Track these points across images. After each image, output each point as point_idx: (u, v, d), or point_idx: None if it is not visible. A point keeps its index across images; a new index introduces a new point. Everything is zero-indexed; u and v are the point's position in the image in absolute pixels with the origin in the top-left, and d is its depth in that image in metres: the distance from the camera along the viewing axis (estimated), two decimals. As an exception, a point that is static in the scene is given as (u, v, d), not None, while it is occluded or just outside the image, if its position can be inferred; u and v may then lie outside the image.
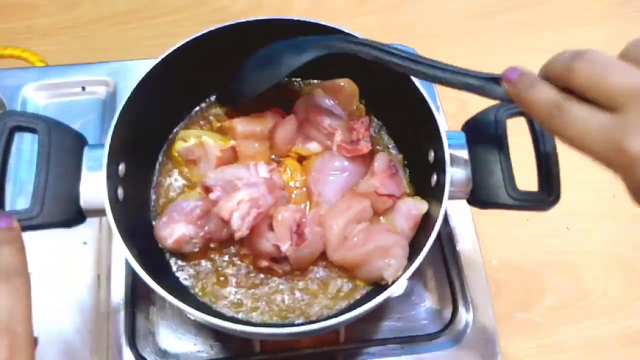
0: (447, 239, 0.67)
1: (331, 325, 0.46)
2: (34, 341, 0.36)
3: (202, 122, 0.63)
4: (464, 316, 0.64)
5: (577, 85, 0.34)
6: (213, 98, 0.64)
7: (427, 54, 0.77)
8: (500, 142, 0.51)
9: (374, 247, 0.52)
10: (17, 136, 0.49)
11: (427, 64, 0.45)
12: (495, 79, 0.41)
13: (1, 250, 0.35)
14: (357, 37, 0.49)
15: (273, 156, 0.60)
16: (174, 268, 0.57)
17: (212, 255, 0.57)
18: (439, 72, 0.44)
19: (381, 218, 0.56)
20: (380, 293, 0.47)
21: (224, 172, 0.52)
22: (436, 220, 0.48)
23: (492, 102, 0.52)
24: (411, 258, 0.49)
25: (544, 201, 0.50)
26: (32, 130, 0.48)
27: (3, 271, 0.34)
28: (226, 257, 0.57)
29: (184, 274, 0.57)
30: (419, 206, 0.54)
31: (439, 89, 0.76)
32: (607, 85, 0.32)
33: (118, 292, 0.62)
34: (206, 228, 0.53)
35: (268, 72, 0.53)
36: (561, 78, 0.35)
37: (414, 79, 0.54)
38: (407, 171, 0.61)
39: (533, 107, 0.36)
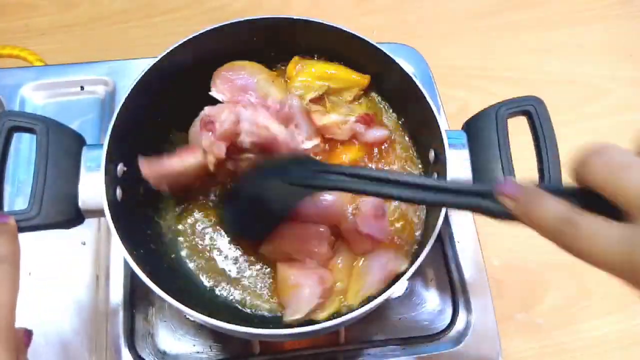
0: (447, 239, 0.67)
1: (331, 326, 0.46)
2: (29, 334, 0.38)
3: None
4: (465, 317, 0.63)
5: (590, 183, 0.31)
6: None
7: (427, 54, 0.78)
8: (500, 142, 0.51)
9: (292, 277, 0.52)
10: (16, 136, 0.48)
11: (421, 185, 0.41)
12: (490, 194, 0.37)
13: None
14: (340, 168, 0.46)
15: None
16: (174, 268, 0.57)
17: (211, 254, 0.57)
18: (432, 195, 0.40)
19: (361, 260, 0.54)
20: (381, 294, 0.47)
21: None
22: (437, 221, 0.48)
23: (493, 102, 0.52)
24: (412, 258, 0.49)
25: (545, 201, 0.49)
26: (30, 131, 0.48)
27: None
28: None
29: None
30: (397, 263, 0.52)
31: (439, 88, 0.76)
32: (623, 189, 0.29)
33: (117, 293, 0.62)
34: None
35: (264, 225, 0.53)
36: (577, 173, 0.32)
37: (414, 79, 0.54)
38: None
39: (541, 225, 0.33)
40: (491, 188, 0.37)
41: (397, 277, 0.51)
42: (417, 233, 0.57)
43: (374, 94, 0.62)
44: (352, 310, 0.47)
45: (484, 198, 0.38)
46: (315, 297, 0.50)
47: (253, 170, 0.53)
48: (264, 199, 0.51)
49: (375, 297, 0.47)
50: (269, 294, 0.56)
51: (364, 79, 0.60)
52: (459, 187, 0.39)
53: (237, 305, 0.56)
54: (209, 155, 0.52)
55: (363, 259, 0.54)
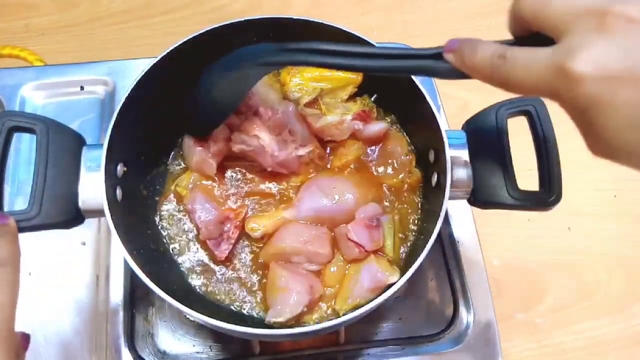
0: (448, 239, 0.67)
1: (331, 326, 0.46)
2: (27, 338, 0.38)
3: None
4: (465, 317, 0.63)
5: (523, 15, 0.33)
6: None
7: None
8: (501, 142, 0.51)
9: (282, 280, 0.52)
10: (16, 136, 0.48)
11: (370, 54, 0.42)
12: (438, 55, 0.39)
13: None
14: (292, 45, 0.45)
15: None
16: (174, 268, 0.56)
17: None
18: (383, 61, 0.41)
19: (352, 267, 0.54)
20: (381, 294, 0.47)
21: None
22: (437, 221, 0.48)
23: (493, 102, 0.52)
24: (411, 258, 0.49)
25: (545, 201, 0.49)
26: (30, 131, 0.48)
27: None
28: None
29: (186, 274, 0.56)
30: (387, 275, 0.51)
31: (439, 88, 0.76)
32: (549, 12, 0.31)
33: (117, 293, 0.62)
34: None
35: (220, 107, 0.52)
36: (512, 12, 0.35)
37: (414, 79, 0.54)
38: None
39: (478, 67, 0.35)
40: (437, 50, 0.39)
41: (387, 288, 0.50)
42: (409, 244, 0.57)
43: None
44: (338, 317, 0.46)
45: (429, 59, 0.39)
46: (300, 305, 0.50)
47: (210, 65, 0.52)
48: (217, 88, 0.51)
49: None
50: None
51: (357, 76, 0.60)
52: (407, 52, 0.40)
53: (236, 305, 0.56)
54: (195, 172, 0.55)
55: (353, 266, 0.54)
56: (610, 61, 0.27)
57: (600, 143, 0.30)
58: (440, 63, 0.39)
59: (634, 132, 0.28)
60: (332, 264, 0.54)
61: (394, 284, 0.49)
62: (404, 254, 0.56)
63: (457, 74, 0.38)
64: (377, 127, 0.58)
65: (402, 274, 0.48)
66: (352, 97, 0.61)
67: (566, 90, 0.29)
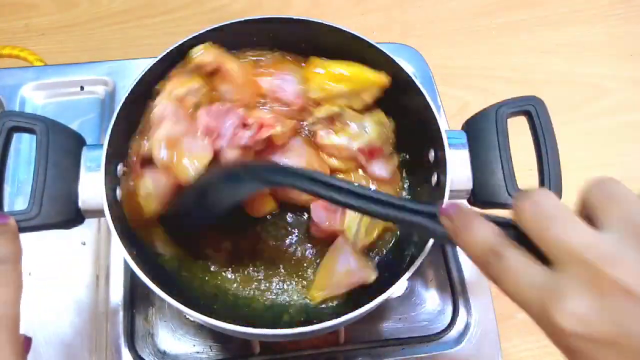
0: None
1: (331, 326, 0.46)
2: (28, 341, 0.38)
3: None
4: (465, 317, 0.63)
5: (522, 224, 0.32)
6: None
7: (427, 54, 0.78)
8: (501, 142, 0.51)
9: None
10: (16, 136, 0.48)
11: (369, 197, 0.40)
12: (434, 214, 0.37)
13: None
14: (293, 170, 0.45)
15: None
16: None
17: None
18: (379, 208, 0.40)
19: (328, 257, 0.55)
20: (381, 294, 0.47)
21: None
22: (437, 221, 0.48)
23: (493, 102, 0.52)
24: (412, 258, 0.49)
25: (545, 201, 0.49)
26: (30, 131, 0.48)
27: None
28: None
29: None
30: (366, 272, 0.52)
31: (439, 88, 0.76)
32: (548, 237, 0.30)
33: (117, 293, 0.62)
34: None
35: (205, 210, 0.50)
36: (513, 214, 0.33)
37: (414, 78, 0.54)
38: (407, 172, 0.61)
39: (470, 250, 0.34)
40: (435, 209, 0.37)
41: (365, 287, 0.51)
42: (388, 247, 0.57)
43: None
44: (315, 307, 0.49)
45: (426, 217, 0.38)
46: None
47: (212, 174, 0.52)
48: (214, 189, 0.50)
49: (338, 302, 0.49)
50: (269, 296, 0.56)
51: (383, 78, 0.56)
52: (404, 205, 0.39)
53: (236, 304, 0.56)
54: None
55: (329, 255, 0.55)
56: (596, 324, 0.27)
57: None
58: (436, 224, 0.37)
59: None
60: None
61: (372, 284, 0.50)
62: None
63: (446, 240, 0.36)
64: (379, 171, 0.56)
65: (401, 275, 0.48)
66: (375, 102, 0.58)
67: (551, 334, 0.29)
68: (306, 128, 0.59)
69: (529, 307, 0.30)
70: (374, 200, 0.40)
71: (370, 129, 0.57)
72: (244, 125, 0.54)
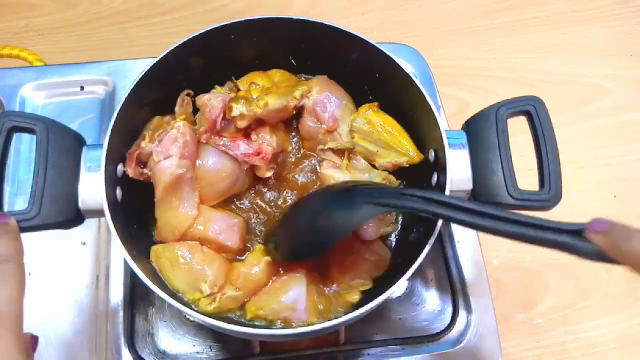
0: (447, 239, 0.67)
1: (331, 326, 0.46)
2: (35, 340, 0.38)
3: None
4: (465, 317, 0.63)
5: None
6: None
7: (427, 54, 0.78)
8: (501, 142, 0.51)
9: None
10: (16, 136, 0.48)
11: (501, 218, 0.38)
12: (578, 232, 0.36)
13: None
14: (412, 191, 0.43)
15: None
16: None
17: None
18: (516, 227, 0.38)
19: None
20: (380, 294, 0.47)
21: None
22: (437, 221, 0.48)
23: (493, 102, 0.52)
24: (411, 258, 0.49)
25: (545, 201, 0.49)
26: (30, 131, 0.48)
27: None
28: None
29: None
30: (305, 315, 0.51)
31: (439, 88, 0.76)
32: None
33: (117, 293, 0.62)
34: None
35: (323, 232, 0.47)
36: None
37: (414, 79, 0.54)
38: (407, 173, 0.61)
39: (631, 256, 0.34)
40: (577, 226, 0.36)
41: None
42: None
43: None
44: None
45: (570, 235, 0.37)
46: None
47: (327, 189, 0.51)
48: (327, 214, 0.47)
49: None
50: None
51: (416, 158, 0.56)
52: (542, 224, 0.37)
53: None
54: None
55: (280, 280, 0.54)
56: None
57: None
58: (581, 241, 0.36)
59: None
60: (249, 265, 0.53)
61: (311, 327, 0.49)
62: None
63: (595, 255, 0.36)
64: (368, 231, 0.54)
65: (401, 274, 0.48)
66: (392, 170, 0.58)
67: None
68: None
69: None
70: (507, 220, 0.38)
71: (374, 179, 0.57)
72: (248, 136, 0.55)
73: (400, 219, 0.60)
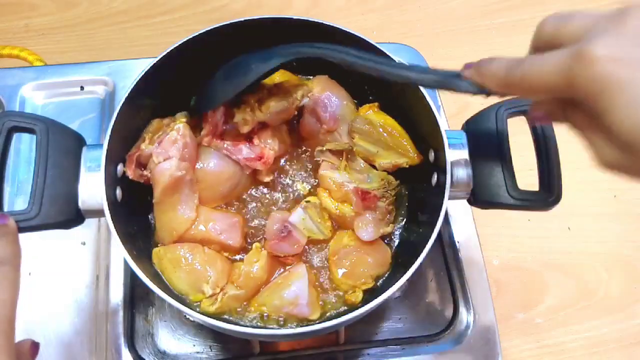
0: (447, 239, 0.67)
1: (331, 326, 0.46)
2: (36, 347, 0.38)
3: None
4: (465, 317, 0.63)
5: (547, 34, 0.35)
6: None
7: (427, 54, 0.78)
8: (501, 142, 0.51)
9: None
10: (16, 136, 0.48)
11: (394, 65, 0.44)
12: (458, 75, 0.40)
13: None
14: (323, 44, 0.48)
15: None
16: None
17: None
18: (405, 71, 0.43)
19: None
20: (380, 294, 0.47)
21: None
22: (437, 221, 0.48)
23: (493, 102, 0.52)
24: (411, 258, 0.49)
25: (545, 201, 0.49)
26: (30, 131, 0.48)
27: None
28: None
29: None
30: (307, 310, 0.52)
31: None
32: (571, 23, 0.33)
33: (117, 293, 0.62)
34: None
35: (235, 80, 0.52)
36: (536, 33, 0.36)
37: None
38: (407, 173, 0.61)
39: (493, 73, 0.36)
40: (456, 71, 0.40)
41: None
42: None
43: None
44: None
45: (453, 77, 0.40)
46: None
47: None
48: (237, 64, 0.52)
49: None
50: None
51: (416, 158, 0.57)
52: (426, 69, 0.42)
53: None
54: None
55: (283, 277, 0.54)
56: (624, 47, 0.29)
57: (613, 135, 0.30)
58: (456, 79, 0.40)
59: None
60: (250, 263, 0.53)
61: (312, 320, 0.51)
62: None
63: (470, 88, 0.39)
64: (365, 233, 0.55)
65: (401, 274, 0.48)
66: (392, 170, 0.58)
67: (581, 74, 0.30)
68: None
69: (559, 72, 0.31)
70: (400, 68, 0.43)
71: (373, 180, 0.57)
72: (250, 140, 0.55)
73: (400, 218, 0.60)
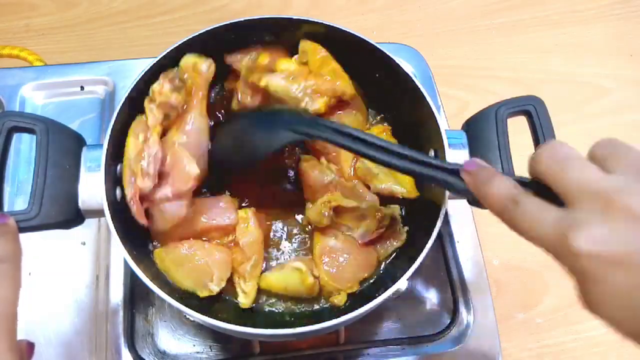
0: (447, 239, 0.67)
1: (331, 326, 0.46)
2: (31, 347, 0.38)
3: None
4: (465, 317, 0.63)
5: (539, 173, 0.35)
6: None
7: (427, 54, 0.78)
8: (500, 142, 0.51)
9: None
10: (16, 136, 0.48)
11: (397, 153, 0.43)
12: (457, 171, 0.40)
13: None
14: (321, 120, 0.47)
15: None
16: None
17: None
18: (407, 163, 0.42)
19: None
20: (380, 294, 0.47)
21: None
22: (437, 221, 0.48)
23: (493, 102, 0.52)
24: (412, 258, 0.49)
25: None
26: (30, 131, 0.48)
27: None
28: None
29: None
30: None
31: (439, 88, 0.76)
32: (563, 178, 0.33)
33: (117, 293, 0.62)
34: None
35: (242, 159, 0.53)
36: (530, 165, 0.36)
37: (414, 79, 0.54)
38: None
39: (490, 200, 0.37)
40: (455, 166, 0.40)
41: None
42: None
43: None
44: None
45: (450, 174, 0.41)
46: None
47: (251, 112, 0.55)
48: (250, 135, 0.52)
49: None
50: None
51: (412, 193, 0.56)
52: (429, 161, 0.42)
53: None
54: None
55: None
56: (608, 245, 0.30)
57: (592, 309, 0.32)
58: (457, 180, 0.40)
59: (622, 311, 0.31)
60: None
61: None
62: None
63: (469, 197, 0.40)
64: (361, 239, 0.55)
65: (401, 275, 0.48)
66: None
67: (566, 259, 0.32)
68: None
69: (546, 241, 0.32)
70: (399, 155, 0.42)
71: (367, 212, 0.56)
72: None
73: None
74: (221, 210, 0.54)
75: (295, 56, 0.57)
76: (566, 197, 0.33)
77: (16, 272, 0.39)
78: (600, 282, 0.30)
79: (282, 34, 0.58)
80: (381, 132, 0.60)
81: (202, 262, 0.52)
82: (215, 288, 0.51)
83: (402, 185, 0.56)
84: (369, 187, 0.57)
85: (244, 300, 0.53)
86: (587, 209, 0.31)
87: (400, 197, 0.56)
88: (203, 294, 0.51)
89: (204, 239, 0.54)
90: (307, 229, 0.59)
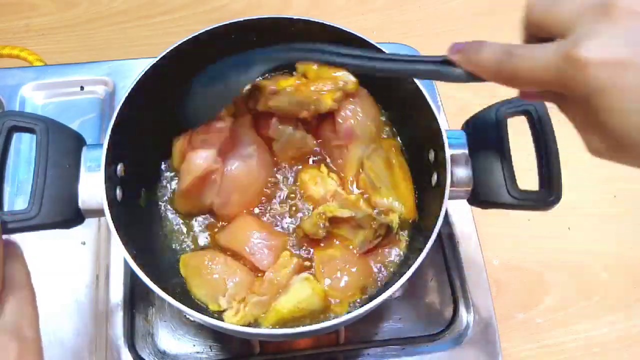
0: (447, 239, 0.67)
1: (331, 326, 0.46)
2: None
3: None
4: (465, 317, 0.63)
5: (534, 20, 0.35)
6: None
7: (427, 53, 0.78)
8: (501, 141, 0.51)
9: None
10: (16, 136, 0.48)
11: (378, 58, 0.43)
12: (446, 61, 0.40)
13: (7, 265, 0.38)
14: (301, 45, 0.47)
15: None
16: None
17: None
18: (390, 64, 0.42)
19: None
20: (380, 294, 0.47)
21: None
22: (437, 221, 0.48)
23: (493, 101, 0.52)
24: (411, 259, 0.49)
25: (545, 201, 0.49)
26: (30, 131, 0.48)
27: (10, 284, 0.37)
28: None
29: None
30: None
31: (439, 88, 0.76)
32: (558, 10, 0.33)
33: (117, 293, 0.62)
34: None
35: (217, 96, 0.51)
36: (525, 16, 0.36)
37: (415, 80, 0.54)
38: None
39: (485, 64, 0.37)
40: (443, 57, 0.40)
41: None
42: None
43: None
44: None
45: (440, 65, 0.40)
46: None
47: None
48: (214, 76, 0.51)
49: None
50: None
51: (412, 214, 0.56)
52: (415, 58, 0.42)
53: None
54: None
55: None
56: (614, 48, 0.29)
57: (604, 133, 0.31)
58: (447, 67, 0.40)
59: (635, 116, 0.29)
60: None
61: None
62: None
63: (463, 76, 0.39)
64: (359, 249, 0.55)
65: (400, 275, 0.48)
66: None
67: (572, 76, 0.30)
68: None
69: (550, 71, 0.32)
70: (384, 60, 0.42)
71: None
72: None
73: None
74: (264, 250, 0.53)
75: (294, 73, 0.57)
76: (565, 26, 0.32)
77: (33, 296, 0.39)
78: (613, 89, 0.29)
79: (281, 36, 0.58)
80: (390, 147, 0.59)
81: (219, 277, 0.51)
82: (224, 304, 0.51)
83: (402, 203, 0.56)
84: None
85: (231, 319, 0.51)
86: (586, 23, 0.31)
87: (399, 215, 0.55)
88: (213, 307, 0.51)
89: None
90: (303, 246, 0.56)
